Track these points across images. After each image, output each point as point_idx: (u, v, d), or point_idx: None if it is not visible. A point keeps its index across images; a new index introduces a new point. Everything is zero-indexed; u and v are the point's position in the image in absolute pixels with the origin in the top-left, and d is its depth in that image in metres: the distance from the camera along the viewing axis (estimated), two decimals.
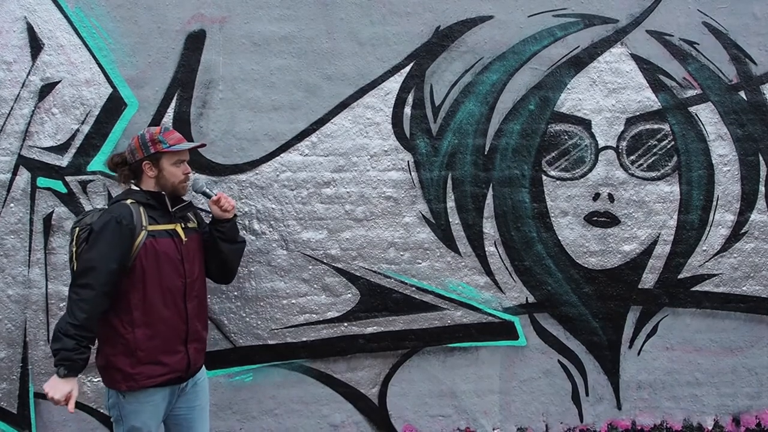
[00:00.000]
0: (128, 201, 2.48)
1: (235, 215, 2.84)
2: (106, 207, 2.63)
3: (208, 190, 2.77)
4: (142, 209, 2.47)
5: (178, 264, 2.52)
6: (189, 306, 2.56)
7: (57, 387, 2.32)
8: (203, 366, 2.76)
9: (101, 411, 3.38)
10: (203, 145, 2.99)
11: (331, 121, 3.38)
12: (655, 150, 3.56)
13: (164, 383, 2.49)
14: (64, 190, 3.26)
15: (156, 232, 2.47)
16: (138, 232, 2.42)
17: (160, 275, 2.47)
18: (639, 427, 3.72)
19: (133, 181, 2.63)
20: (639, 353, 3.67)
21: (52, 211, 3.26)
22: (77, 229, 2.49)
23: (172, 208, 2.58)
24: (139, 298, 2.44)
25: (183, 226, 2.61)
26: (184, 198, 2.69)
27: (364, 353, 3.49)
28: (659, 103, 3.54)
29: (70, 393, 2.35)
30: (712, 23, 3.54)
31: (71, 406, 2.35)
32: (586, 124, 3.51)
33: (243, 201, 3.36)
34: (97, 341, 2.49)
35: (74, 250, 2.45)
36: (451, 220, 3.47)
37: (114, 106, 3.25)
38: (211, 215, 2.84)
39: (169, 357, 2.49)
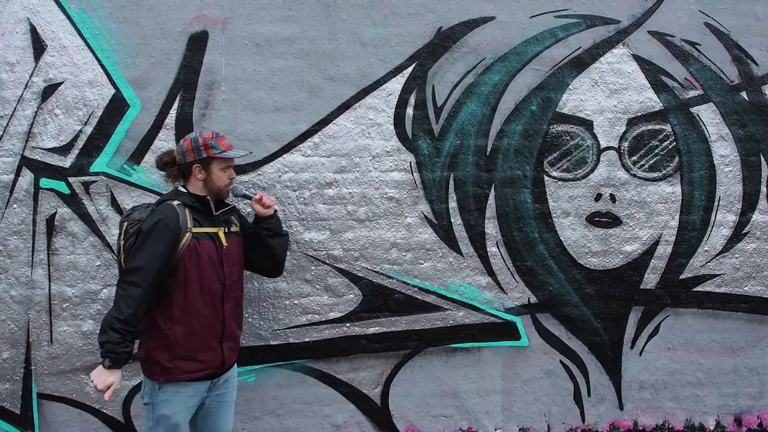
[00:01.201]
0: (175, 203, 2.58)
1: (275, 210, 2.96)
2: (154, 204, 2.69)
3: (248, 193, 2.93)
4: (187, 211, 2.58)
5: (218, 267, 2.62)
6: (226, 307, 2.66)
7: (101, 377, 2.45)
8: (235, 363, 2.84)
9: (104, 411, 3.39)
10: (251, 153, 3.08)
11: (334, 122, 3.39)
12: (656, 150, 3.56)
13: (198, 378, 2.61)
14: (67, 191, 3.26)
15: (199, 234, 2.58)
16: (183, 233, 2.53)
17: (200, 276, 2.57)
18: (641, 428, 3.73)
19: (180, 182, 2.72)
20: (641, 353, 3.68)
21: (55, 212, 3.27)
22: (125, 223, 2.59)
23: (216, 212, 2.67)
24: (181, 297, 2.55)
25: (226, 230, 2.70)
26: (228, 202, 2.76)
27: (367, 354, 3.50)
28: (661, 104, 3.54)
29: (112, 383, 2.47)
30: (714, 24, 3.54)
31: (108, 394, 2.48)
32: (587, 124, 3.52)
33: (245, 202, 3.36)
34: (140, 334, 2.60)
35: (122, 243, 2.56)
36: (453, 220, 3.48)
37: (117, 107, 3.25)
38: (254, 216, 2.94)
39: (204, 354, 2.60)
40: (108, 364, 2.44)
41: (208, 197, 2.65)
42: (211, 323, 2.62)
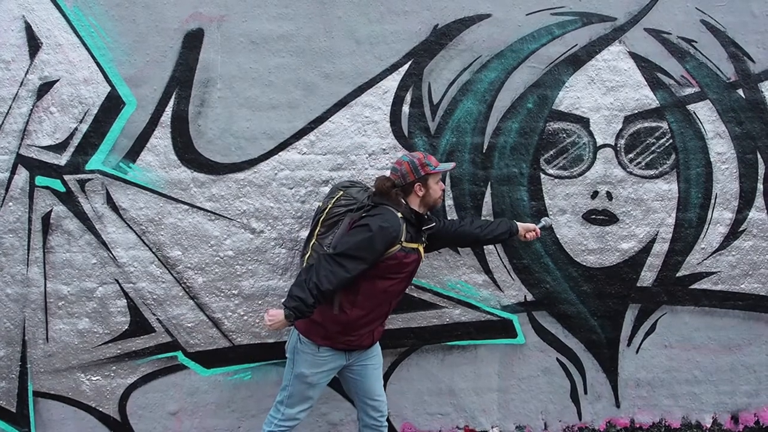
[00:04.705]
0: (399, 214, 2.81)
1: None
2: (369, 192, 2.98)
3: (545, 224, 3.33)
4: (405, 225, 2.81)
5: (410, 276, 2.91)
6: (393, 302, 2.96)
7: (276, 324, 2.71)
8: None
9: (100, 410, 3.39)
10: (455, 165, 3.28)
11: (330, 119, 3.38)
12: (653, 148, 3.56)
13: (346, 349, 2.90)
14: (62, 189, 3.26)
15: (407, 248, 2.82)
16: (396, 243, 2.77)
17: (391, 280, 2.82)
18: (638, 425, 3.73)
19: (402, 201, 2.91)
20: (637, 351, 3.68)
21: (51, 210, 3.27)
22: (341, 192, 2.97)
23: (422, 228, 2.91)
24: (368, 289, 2.80)
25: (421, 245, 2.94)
26: (430, 220, 2.98)
27: None
28: (657, 101, 3.54)
29: (278, 330, 2.82)
30: (711, 21, 3.54)
31: (265, 321, 2.79)
32: (584, 122, 3.51)
33: (241, 200, 3.36)
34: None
35: (329, 205, 2.93)
36: (449, 218, 3.47)
37: (112, 105, 3.25)
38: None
39: (362, 334, 2.89)
40: (291, 319, 2.68)
41: (423, 213, 2.91)
42: (381, 313, 2.91)
